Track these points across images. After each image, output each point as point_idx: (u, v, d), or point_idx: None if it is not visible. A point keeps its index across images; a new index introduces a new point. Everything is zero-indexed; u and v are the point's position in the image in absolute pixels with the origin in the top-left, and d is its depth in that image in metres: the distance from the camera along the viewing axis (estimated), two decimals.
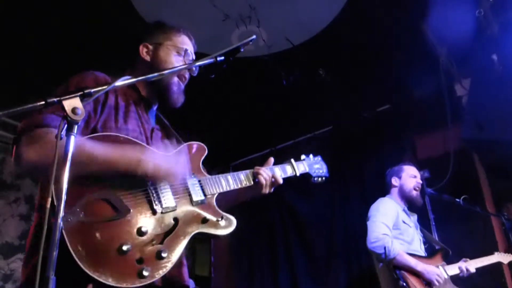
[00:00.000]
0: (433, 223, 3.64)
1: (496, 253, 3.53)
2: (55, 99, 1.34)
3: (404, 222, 3.40)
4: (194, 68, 1.88)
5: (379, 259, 3.16)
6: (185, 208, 1.62)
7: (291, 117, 5.25)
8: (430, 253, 3.45)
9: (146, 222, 1.49)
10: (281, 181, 2.03)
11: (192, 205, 1.66)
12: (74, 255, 1.32)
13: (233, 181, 1.90)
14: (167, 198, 1.58)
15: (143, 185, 1.55)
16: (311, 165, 2.32)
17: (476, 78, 3.50)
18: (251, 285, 5.57)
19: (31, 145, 1.44)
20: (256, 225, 5.80)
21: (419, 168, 3.79)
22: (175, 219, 1.57)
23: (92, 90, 1.40)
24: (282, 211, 5.67)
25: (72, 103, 1.37)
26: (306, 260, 5.11)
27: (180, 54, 1.92)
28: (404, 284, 2.99)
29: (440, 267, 3.23)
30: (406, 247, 3.27)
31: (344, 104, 4.97)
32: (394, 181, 3.65)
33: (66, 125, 1.30)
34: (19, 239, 5.16)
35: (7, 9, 3.47)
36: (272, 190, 2.02)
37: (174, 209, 1.58)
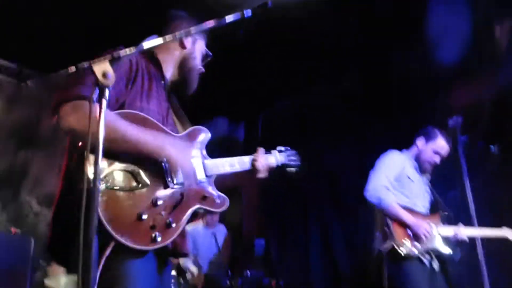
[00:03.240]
0: (465, 172, 3.59)
1: (504, 228, 3.39)
2: (85, 64, 1.38)
3: (408, 177, 3.39)
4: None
5: (373, 208, 3.28)
6: (190, 186, 1.82)
7: (316, 63, 5.11)
8: (431, 213, 3.44)
9: (159, 195, 1.68)
10: (273, 166, 2.29)
11: (196, 183, 1.87)
12: (102, 217, 1.47)
13: (229, 166, 2.09)
14: (178, 176, 1.78)
15: (160, 163, 1.73)
16: (289, 156, 2.52)
17: None
18: (281, 231, 5.73)
19: (72, 114, 1.57)
20: (285, 173, 5.86)
21: (453, 114, 3.68)
22: (181, 194, 1.76)
23: (121, 53, 1.43)
24: (313, 159, 5.69)
25: (102, 68, 1.39)
26: (335, 207, 5.18)
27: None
28: (387, 230, 3.13)
29: (434, 226, 3.26)
30: (404, 201, 3.32)
31: (372, 49, 4.81)
32: (419, 141, 3.54)
33: (98, 90, 1.36)
34: None
35: None
36: (267, 174, 2.23)
37: (182, 186, 1.78)
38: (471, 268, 3.75)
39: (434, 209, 3.52)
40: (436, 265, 3.24)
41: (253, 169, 2.17)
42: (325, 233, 5.33)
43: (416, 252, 3.10)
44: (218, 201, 1.89)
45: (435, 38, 4.44)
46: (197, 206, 1.80)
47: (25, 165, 5.18)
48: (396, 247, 3.08)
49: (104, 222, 1.48)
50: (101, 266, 1.47)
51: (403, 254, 3.07)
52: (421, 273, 3.11)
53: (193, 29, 1.63)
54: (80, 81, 1.62)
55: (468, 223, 3.51)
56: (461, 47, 4.18)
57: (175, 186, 1.73)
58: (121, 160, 1.62)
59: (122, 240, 1.50)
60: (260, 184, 6.18)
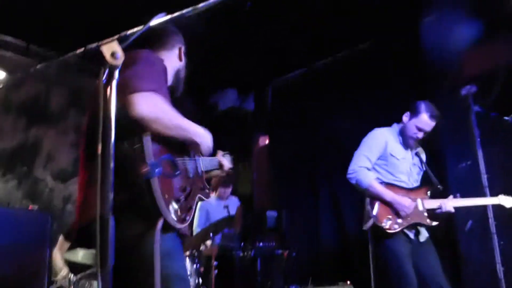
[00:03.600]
0: (479, 142, 3.55)
1: (501, 196, 3.33)
2: (93, 45, 1.37)
3: (391, 154, 3.37)
4: None
5: (355, 189, 3.35)
6: (196, 177, 2.09)
7: (330, 30, 5.03)
8: (417, 186, 3.41)
9: (185, 182, 1.93)
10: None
11: (198, 176, 2.13)
12: (156, 196, 1.64)
13: (211, 164, 2.38)
14: (199, 167, 2.11)
15: (189, 154, 2.03)
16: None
17: None
18: (292, 202, 5.78)
19: (143, 104, 1.69)
20: (296, 143, 5.87)
21: (466, 83, 3.60)
22: (193, 184, 2.00)
23: (128, 33, 1.43)
24: (324, 129, 5.67)
25: (110, 48, 1.38)
26: (345, 177, 5.17)
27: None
28: (369, 208, 3.21)
29: (418, 200, 3.27)
30: (389, 178, 3.34)
31: (386, 16, 4.70)
32: (405, 117, 3.43)
33: (107, 71, 1.36)
34: (72, 165, 5.49)
35: None
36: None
37: (194, 176, 2.05)
38: (482, 238, 3.78)
39: (426, 182, 3.49)
40: (423, 238, 3.26)
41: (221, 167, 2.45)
42: (335, 204, 5.35)
43: (398, 227, 3.13)
44: (207, 191, 2.18)
45: (449, 5, 4.34)
46: (199, 195, 2.05)
47: (37, 142, 5.24)
48: (378, 224, 3.14)
49: (157, 200, 1.64)
50: (157, 238, 1.63)
51: (385, 231, 3.12)
52: (404, 248, 3.14)
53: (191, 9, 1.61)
54: (153, 76, 1.81)
55: (480, 193, 3.50)
56: (475, 14, 4.08)
57: (194, 176, 2.01)
58: (167, 148, 1.82)
59: (168, 219, 1.67)
60: (271, 157, 6.21)
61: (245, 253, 4.39)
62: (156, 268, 1.61)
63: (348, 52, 5.49)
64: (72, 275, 3.30)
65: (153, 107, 1.71)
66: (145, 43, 2.06)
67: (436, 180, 3.38)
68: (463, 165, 4.29)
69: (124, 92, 1.66)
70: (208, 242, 4.33)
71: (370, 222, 3.18)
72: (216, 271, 3.96)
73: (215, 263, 3.96)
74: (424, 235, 3.28)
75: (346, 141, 3.81)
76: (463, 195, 3.37)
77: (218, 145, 2.27)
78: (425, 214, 3.24)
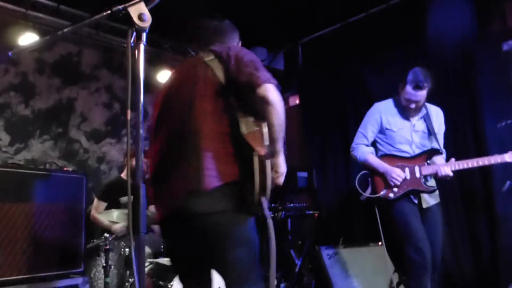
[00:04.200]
0: None
1: (510, 152, 3.17)
2: (120, 7, 1.34)
3: (387, 128, 3.41)
4: None
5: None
6: None
7: None
8: (418, 154, 3.34)
9: None
10: None
11: None
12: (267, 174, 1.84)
13: None
14: None
15: None
16: None
17: None
18: (323, 160, 5.74)
19: (276, 94, 1.85)
20: (327, 102, 5.77)
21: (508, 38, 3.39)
22: None
23: None
24: (354, 87, 5.54)
25: (137, 10, 1.35)
26: None
27: None
28: (369, 180, 3.38)
29: (416, 167, 3.27)
30: (390, 149, 3.41)
31: None
32: (399, 87, 3.36)
33: (135, 33, 1.34)
34: (105, 125, 5.59)
35: None
36: None
37: None
38: None
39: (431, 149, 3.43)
40: (426, 204, 3.27)
41: None
42: None
43: (393, 196, 3.23)
44: None
45: None
46: None
47: (71, 102, 5.32)
48: (376, 195, 3.30)
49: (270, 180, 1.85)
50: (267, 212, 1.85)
51: (385, 200, 3.27)
52: (409, 208, 3.22)
53: None
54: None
55: None
56: None
57: None
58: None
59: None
60: (301, 117, 6.14)
61: (276, 214, 4.42)
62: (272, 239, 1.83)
63: (382, 8, 5.25)
64: (108, 235, 3.41)
65: (281, 101, 1.88)
66: (207, 40, 2.12)
67: (439, 144, 3.34)
68: (503, 123, 4.14)
69: (253, 76, 1.84)
70: None
71: (365, 195, 3.37)
72: None
73: None
74: (427, 201, 3.27)
75: (379, 100, 3.70)
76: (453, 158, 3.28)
77: None
78: (422, 180, 3.24)
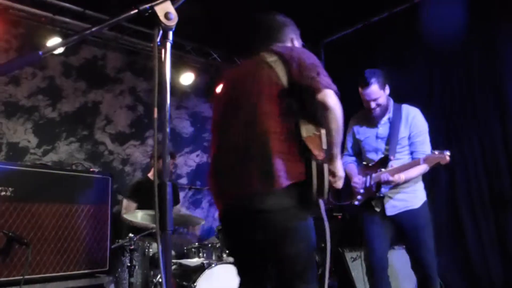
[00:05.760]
0: None
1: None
2: (147, 6, 1.35)
3: (357, 138, 3.41)
4: None
5: None
6: None
7: None
8: (376, 162, 3.27)
9: None
10: None
11: None
12: (325, 178, 1.91)
13: None
14: None
15: None
16: None
17: None
18: None
19: (335, 99, 1.94)
20: (350, 102, 5.71)
21: None
22: None
23: None
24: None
25: (164, 9, 1.36)
26: None
27: None
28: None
29: (371, 175, 3.22)
30: (363, 157, 3.41)
31: None
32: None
33: (161, 32, 1.34)
34: (129, 127, 5.66)
35: None
36: None
37: None
38: None
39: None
40: (390, 211, 3.16)
41: None
42: None
43: (358, 203, 3.28)
44: None
45: None
46: None
47: (96, 105, 5.41)
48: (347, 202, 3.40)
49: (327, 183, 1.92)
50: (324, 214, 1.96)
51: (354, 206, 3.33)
52: (367, 217, 3.25)
53: None
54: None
55: None
56: None
57: None
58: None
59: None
60: None
61: None
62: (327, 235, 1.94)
63: (405, 8, 5.18)
64: (133, 235, 3.44)
65: (339, 107, 1.95)
66: (262, 39, 2.17)
67: (394, 148, 3.19)
68: None
69: (314, 80, 1.88)
70: None
71: (341, 203, 3.52)
72: None
73: None
74: (391, 209, 3.15)
75: (401, 100, 3.63)
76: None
77: None
78: (373, 189, 3.18)
